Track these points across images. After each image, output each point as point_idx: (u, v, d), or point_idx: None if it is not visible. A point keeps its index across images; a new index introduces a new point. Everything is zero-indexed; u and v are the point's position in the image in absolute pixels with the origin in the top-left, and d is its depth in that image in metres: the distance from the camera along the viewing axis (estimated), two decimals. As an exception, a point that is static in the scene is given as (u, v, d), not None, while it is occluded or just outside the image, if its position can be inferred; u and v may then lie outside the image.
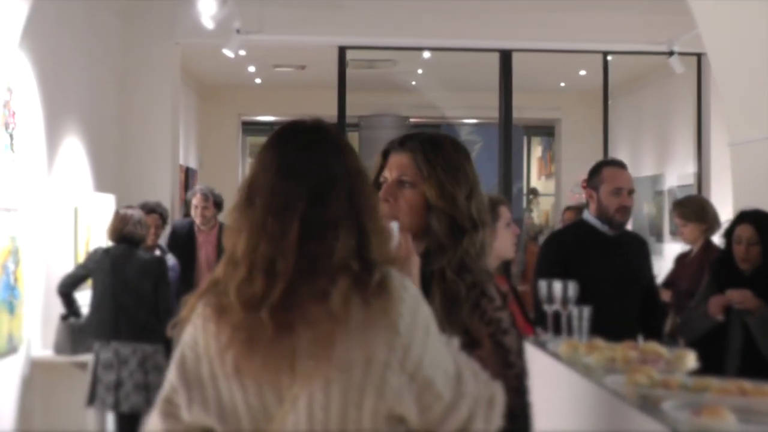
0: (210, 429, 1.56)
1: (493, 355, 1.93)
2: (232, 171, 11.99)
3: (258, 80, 11.47)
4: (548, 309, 2.04)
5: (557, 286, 2.03)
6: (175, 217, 7.77)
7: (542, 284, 2.05)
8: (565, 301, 2.02)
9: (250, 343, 1.51)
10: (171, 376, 1.60)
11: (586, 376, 1.78)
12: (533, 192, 13.08)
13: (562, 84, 11.53)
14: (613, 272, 4.08)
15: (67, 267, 5.84)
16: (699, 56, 8.42)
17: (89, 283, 5.62)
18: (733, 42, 5.32)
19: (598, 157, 7.62)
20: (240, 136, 12.63)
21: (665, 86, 9.80)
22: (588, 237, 4.19)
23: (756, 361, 4.10)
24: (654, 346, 1.85)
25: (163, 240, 6.81)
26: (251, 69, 10.68)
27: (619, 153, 9.78)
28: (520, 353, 1.98)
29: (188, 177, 10.53)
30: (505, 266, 3.81)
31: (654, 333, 4.17)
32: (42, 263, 5.73)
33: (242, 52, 8.46)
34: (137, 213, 5.65)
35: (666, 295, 5.42)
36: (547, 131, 13.32)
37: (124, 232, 5.53)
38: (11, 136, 5.20)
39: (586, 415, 1.79)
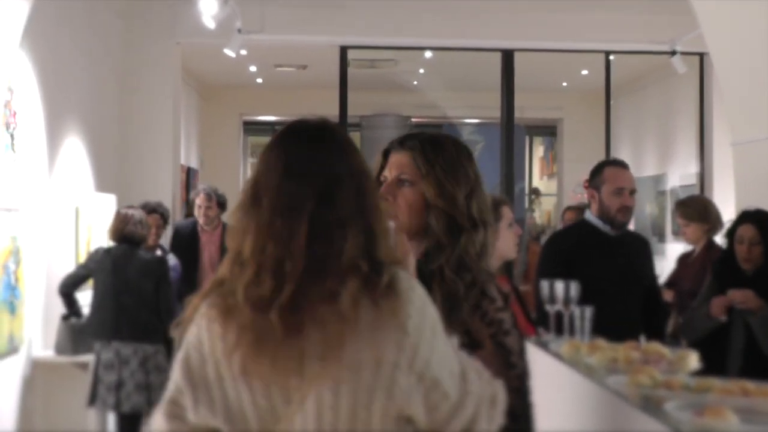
0: (215, 430, 1.55)
1: (494, 356, 1.92)
2: (234, 171, 11.99)
3: (259, 80, 11.47)
4: (550, 309, 2.03)
5: (559, 286, 2.03)
6: (176, 217, 7.77)
7: (544, 284, 2.04)
8: (567, 301, 2.01)
9: (257, 344, 1.51)
10: (176, 377, 1.59)
11: (588, 377, 1.77)
12: (535, 192, 13.07)
13: (564, 84, 11.53)
14: (615, 272, 4.08)
15: (68, 267, 5.84)
16: (701, 56, 8.41)
17: (90, 283, 5.62)
18: (736, 42, 5.31)
19: (601, 156, 7.62)
20: (241, 136, 12.63)
21: (668, 86, 9.79)
22: (590, 237, 4.18)
23: (758, 362, 4.10)
24: (656, 347, 1.85)
25: (164, 240, 6.81)
26: (252, 69, 10.68)
27: (621, 153, 9.78)
28: (521, 354, 1.97)
29: (189, 177, 10.53)
30: (507, 266, 3.81)
31: (656, 333, 4.15)
32: (43, 263, 5.73)
33: (243, 52, 8.45)
34: (138, 213, 5.65)
35: (668, 296, 5.41)
36: (549, 131, 13.32)
37: (125, 232, 5.52)
38: (12, 136, 5.19)
39: (588, 415, 1.78)
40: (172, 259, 6.35)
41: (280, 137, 1.67)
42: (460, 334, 1.73)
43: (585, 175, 4.39)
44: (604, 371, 1.76)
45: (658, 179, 10.12)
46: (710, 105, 8.54)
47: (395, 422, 1.51)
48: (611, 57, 8.83)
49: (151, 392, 5.28)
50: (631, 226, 4.66)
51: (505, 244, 3.34)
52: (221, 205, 7.04)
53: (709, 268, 4.76)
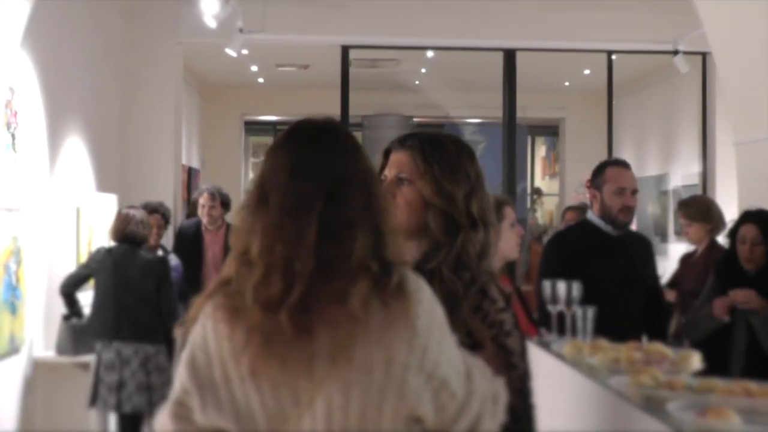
0: (222, 431, 1.54)
1: (495, 357, 1.91)
2: (235, 171, 12.00)
3: (261, 80, 11.47)
4: (552, 309, 2.02)
5: (561, 286, 2.02)
6: (178, 217, 7.77)
7: (546, 285, 2.04)
8: (569, 301, 2.00)
9: (266, 345, 1.49)
10: (182, 377, 1.58)
11: (591, 377, 1.76)
12: (537, 192, 13.06)
13: (567, 83, 11.52)
14: (617, 272, 4.06)
15: (69, 267, 5.84)
16: (704, 55, 8.40)
17: (91, 283, 5.62)
18: (739, 41, 5.31)
19: (603, 156, 7.62)
20: (243, 136, 12.64)
21: (670, 85, 9.79)
22: (592, 237, 4.17)
23: (760, 362, 4.08)
24: (658, 347, 1.84)
25: (165, 240, 6.81)
26: (254, 68, 10.68)
27: (623, 152, 9.77)
28: (523, 355, 1.96)
29: (191, 177, 10.53)
30: (509, 267, 3.80)
31: (658, 334, 4.14)
32: (44, 263, 5.73)
33: (245, 52, 8.45)
34: (139, 213, 5.65)
35: (671, 296, 5.40)
36: (551, 131, 13.32)
37: (126, 232, 5.52)
38: (13, 135, 5.19)
39: (590, 415, 1.77)
40: (173, 259, 6.35)
41: (286, 137, 1.66)
42: (461, 335, 1.72)
43: (587, 174, 4.37)
44: (606, 372, 1.75)
45: (661, 179, 10.11)
46: (713, 105, 8.54)
47: (405, 422, 1.51)
48: (614, 56, 8.83)
49: (152, 393, 5.28)
50: (634, 226, 4.65)
51: (507, 244, 3.33)
52: (225, 204, 7.04)
53: (712, 268, 4.75)
